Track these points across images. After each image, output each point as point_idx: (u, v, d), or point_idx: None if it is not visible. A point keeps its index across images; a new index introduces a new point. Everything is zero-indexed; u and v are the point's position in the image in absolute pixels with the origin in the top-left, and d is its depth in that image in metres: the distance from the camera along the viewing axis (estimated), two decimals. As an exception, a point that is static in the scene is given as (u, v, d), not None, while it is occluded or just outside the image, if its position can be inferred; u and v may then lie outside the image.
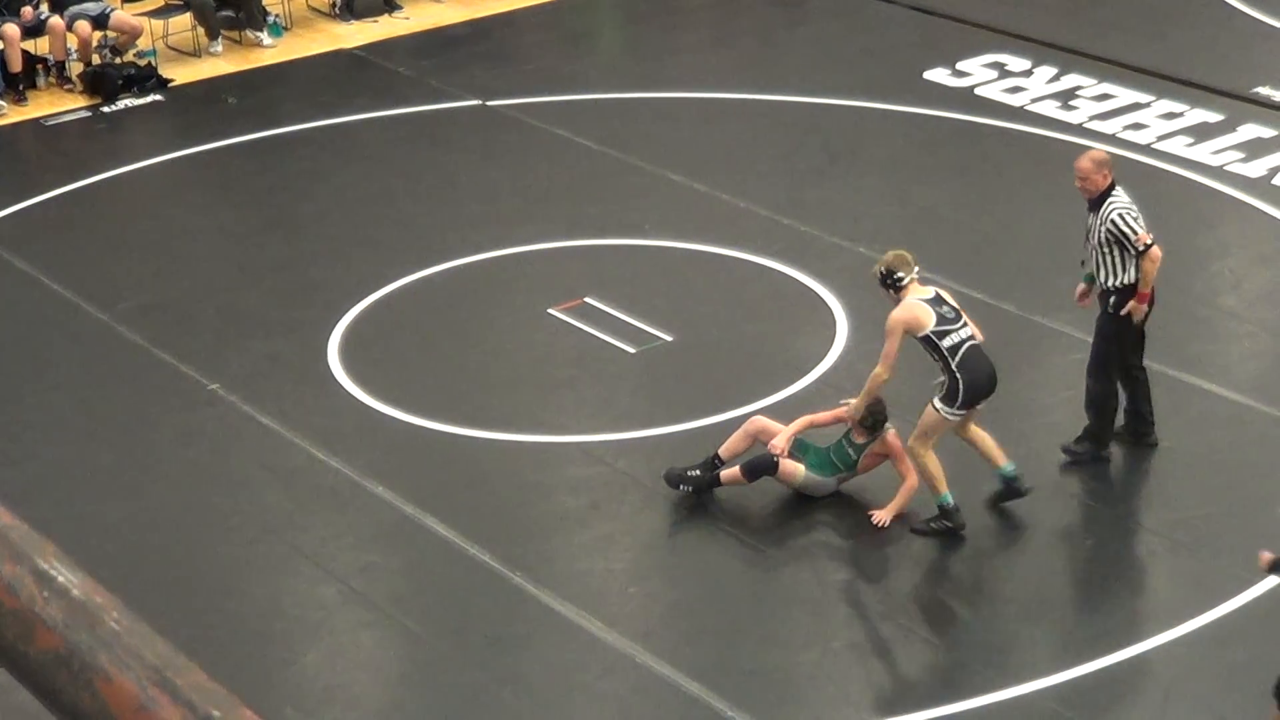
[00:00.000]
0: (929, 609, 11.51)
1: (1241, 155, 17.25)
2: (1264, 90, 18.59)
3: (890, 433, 11.99)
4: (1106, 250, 12.23)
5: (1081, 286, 12.66)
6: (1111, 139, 17.70)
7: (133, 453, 13.29)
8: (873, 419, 12.01)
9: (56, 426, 13.63)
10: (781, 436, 12.08)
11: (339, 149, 18.45)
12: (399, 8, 22.14)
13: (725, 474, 12.24)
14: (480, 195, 17.20)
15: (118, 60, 20.09)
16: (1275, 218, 16.10)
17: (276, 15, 21.68)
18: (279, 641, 11.27)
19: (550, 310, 14.82)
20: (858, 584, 11.58)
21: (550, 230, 16.20)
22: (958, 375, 11.52)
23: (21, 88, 19.70)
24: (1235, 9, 21.03)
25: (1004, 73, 19.47)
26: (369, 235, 16.42)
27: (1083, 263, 12.59)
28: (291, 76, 20.54)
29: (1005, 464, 11.99)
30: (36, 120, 19.31)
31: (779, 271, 15.33)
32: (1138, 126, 17.97)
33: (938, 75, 19.47)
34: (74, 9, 20.06)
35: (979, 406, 11.81)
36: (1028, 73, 19.44)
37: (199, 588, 11.71)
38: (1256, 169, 16.94)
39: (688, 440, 12.90)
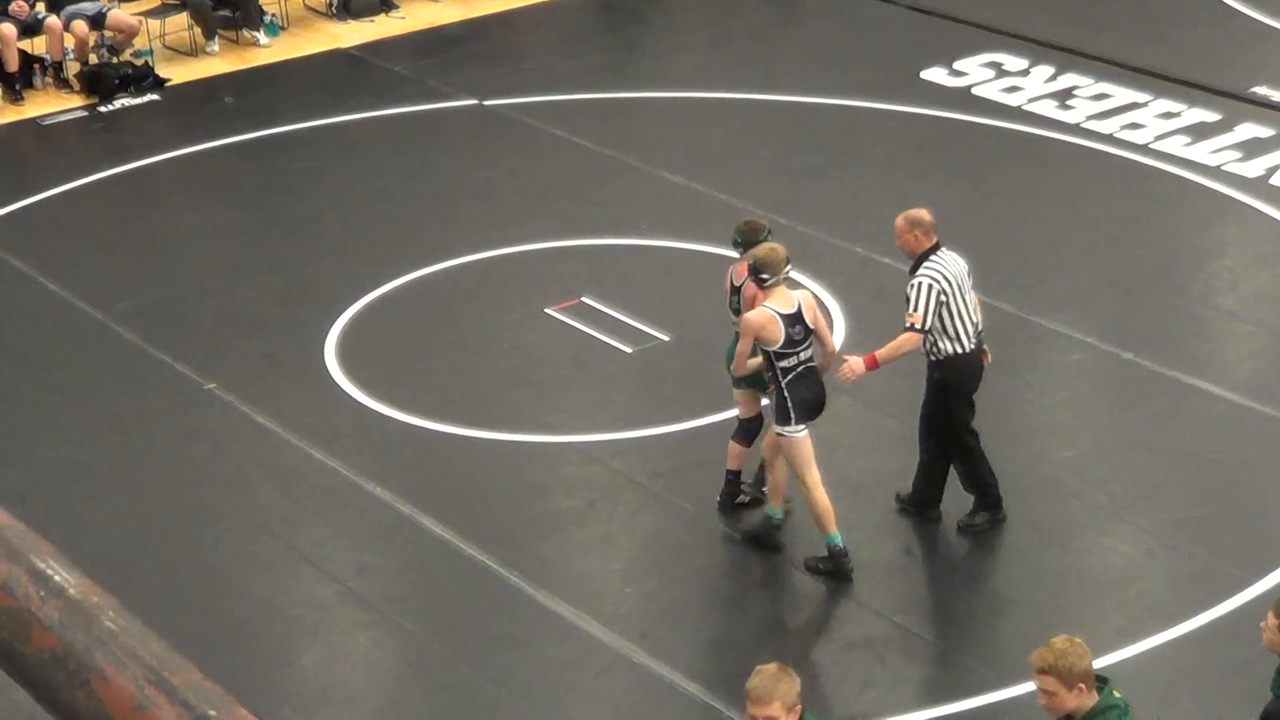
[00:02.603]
0: (925, 609, 11.49)
1: (1239, 155, 17.24)
2: (1261, 90, 18.58)
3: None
4: None
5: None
6: (1109, 138, 17.71)
7: (130, 452, 13.28)
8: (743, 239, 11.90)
9: (53, 426, 13.62)
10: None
11: (336, 148, 18.44)
12: (395, 7, 22.12)
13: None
14: (477, 195, 17.19)
15: (115, 60, 20.07)
16: (1273, 217, 16.09)
17: (273, 15, 21.67)
18: (276, 641, 11.26)
19: (547, 310, 14.81)
20: (854, 584, 11.56)
21: (547, 230, 16.19)
22: (786, 394, 11.22)
23: (18, 87, 19.69)
24: (1233, 8, 21.02)
25: (1001, 72, 19.46)
26: (366, 235, 16.41)
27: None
28: (288, 76, 20.53)
29: (778, 508, 11.78)
30: (34, 120, 19.30)
31: (776, 271, 15.30)
32: (1135, 126, 17.96)
33: (935, 75, 19.46)
34: (71, 8, 20.05)
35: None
36: (1025, 72, 19.44)
37: (196, 588, 11.70)
38: (1254, 169, 16.93)
39: (684, 440, 12.89)
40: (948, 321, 11.38)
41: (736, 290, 11.83)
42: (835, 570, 11.51)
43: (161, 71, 20.21)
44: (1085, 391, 13.82)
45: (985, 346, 11.81)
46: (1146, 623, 11.06)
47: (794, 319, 11.21)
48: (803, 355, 11.25)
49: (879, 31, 20.97)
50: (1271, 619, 8.23)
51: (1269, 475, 12.54)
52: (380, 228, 16.54)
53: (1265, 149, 17.31)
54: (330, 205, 17.15)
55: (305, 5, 22.39)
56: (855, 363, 11.36)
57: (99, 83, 19.74)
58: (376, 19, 21.93)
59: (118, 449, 13.32)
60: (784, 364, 11.21)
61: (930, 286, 11.28)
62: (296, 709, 10.61)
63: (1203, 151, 17.35)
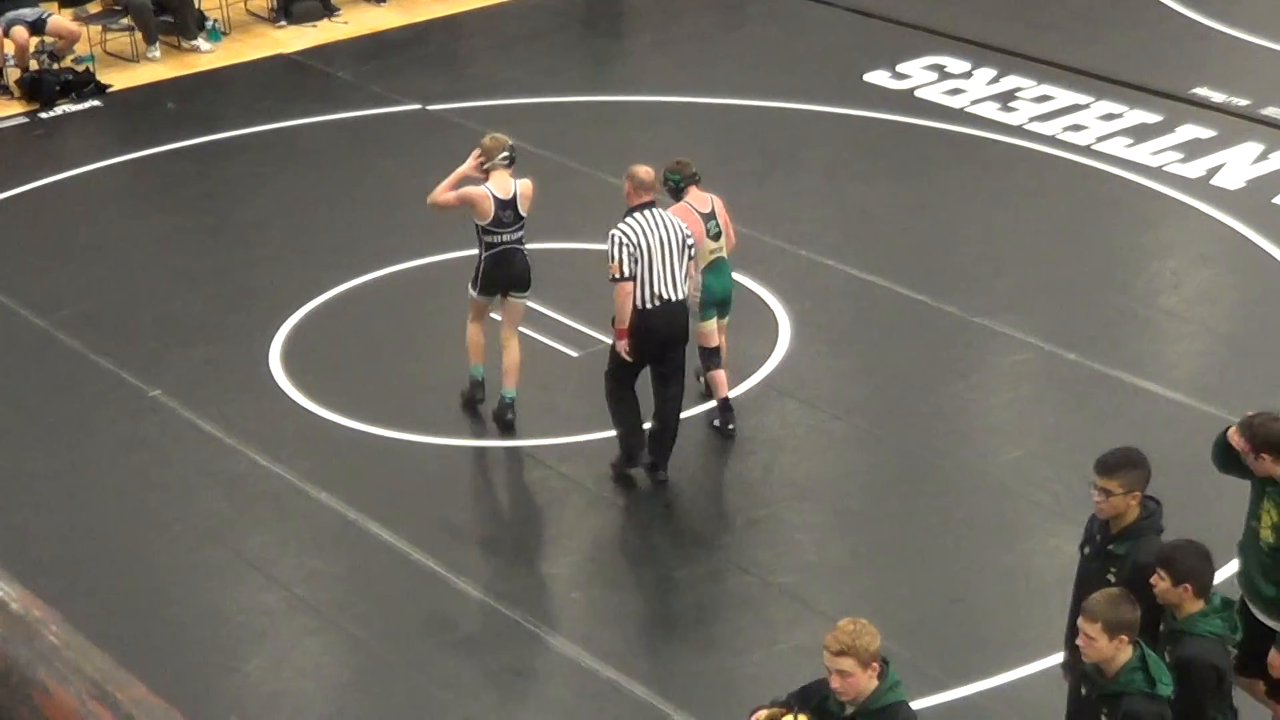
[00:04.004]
0: (872, 611, 11.47)
1: (1180, 156, 17.34)
2: (1202, 91, 18.68)
3: None
4: None
5: None
6: (1051, 140, 17.78)
7: (73, 460, 13.21)
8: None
9: (-5, 435, 13.55)
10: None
11: (279, 154, 18.39)
12: (338, 11, 22.07)
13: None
14: (421, 200, 17.07)
15: (55, 66, 19.97)
16: (1214, 218, 16.18)
17: (215, 20, 21.60)
18: (223, 649, 11.21)
19: (493, 315, 14.78)
20: (801, 586, 11.58)
21: (492, 234, 16.14)
22: (481, 266, 12.86)
23: (-42, 94, 19.60)
24: (1173, 10, 21.14)
25: (944, 75, 19.52)
26: (309, 240, 16.37)
27: None
28: (230, 81, 20.46)
29: (510, 389, 13.02)
30: (-27, 127, 19.21)
31: (721, 274, 15.30)
32: (1077, 128, 18.05)
33: (877, 77, 19.51)
34: (10, 14, 19.93)
35: (514, 302, 13.04)
36: (967, 74, 19.51)
37: (141, 596, 11.64)
38: (1195, 169, 17.03)
39: (631, 444, 12.88)
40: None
41: (711, 217, 13.03)
42: (470, 396, 13.27)
43: (103, 77, 20.12)
44: (1029, 392, 13.87)
45: (699, 326, 12.71)
46: (1091, 622, 11.08)
47: (507, 204, 12.82)
48: (507, 237, 12.85)
49: (822, 34, 21.01)
50: (1085, 628, 8.19)
51: (1211, 474, 12.54)
52: (324, 233, 16.49)
53: (1206, 150, 17.41)
54: (274, 211, 17.10)
55: (247, 10, 22.31)
56: (616, 341, 12.22)
57: (39, 89, 19.64)
58: (319, 24, 21.87)
59: (61, 457, 13.25)
60: (489, 239, 12.83)
61: (620, 241, 12.11)
62: (244, 716, 10.57)
63: (1144, 153, 17.44)
